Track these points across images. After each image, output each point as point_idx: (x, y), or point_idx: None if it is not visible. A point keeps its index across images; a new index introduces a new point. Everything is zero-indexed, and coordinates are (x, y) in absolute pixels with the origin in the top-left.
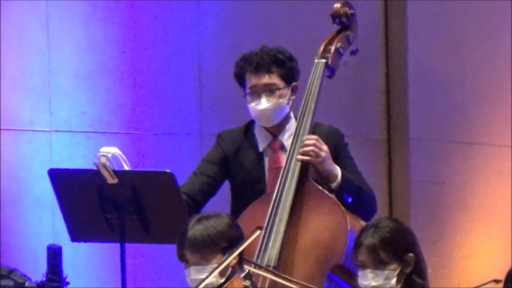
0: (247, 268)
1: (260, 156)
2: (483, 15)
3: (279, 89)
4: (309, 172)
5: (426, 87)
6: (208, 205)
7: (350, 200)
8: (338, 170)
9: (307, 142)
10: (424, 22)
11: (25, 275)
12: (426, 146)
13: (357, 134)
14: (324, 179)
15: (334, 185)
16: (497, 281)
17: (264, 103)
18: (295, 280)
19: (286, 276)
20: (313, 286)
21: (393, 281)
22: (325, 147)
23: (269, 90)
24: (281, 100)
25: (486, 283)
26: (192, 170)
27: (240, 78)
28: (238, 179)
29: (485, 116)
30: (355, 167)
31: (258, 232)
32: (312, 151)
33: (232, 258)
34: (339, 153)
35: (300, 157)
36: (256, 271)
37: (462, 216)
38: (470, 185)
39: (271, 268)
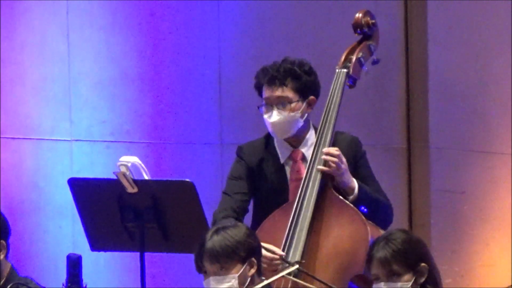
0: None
1: (281, 167)
2: (503, 23)
3: (291, 102)
4: (330, 182)
5: (447, 96)
6: None
7: (366, 211)
8: (355, 183)
9: (329, 152)
10: (445, 31)
11: (40, 285)
12: (446, 155)
13: (377, 143)
14: (342, 191)
15: (351, 198)
16: None
17: (275, 116)
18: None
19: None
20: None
21: None
22: (344, 160)
23: (281, 103)
24: (293, 113)
25: None
26: (222, 191)
27: (259, 89)
28: (261, 190)
29: (506, 125)
30: (373, 176)
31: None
32: (333, 162)
33: (266, 283)
34: (358, 162)
35: (320, 167)
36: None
37: (482, 225)
38: (491, 194)
39: (291, 277)
